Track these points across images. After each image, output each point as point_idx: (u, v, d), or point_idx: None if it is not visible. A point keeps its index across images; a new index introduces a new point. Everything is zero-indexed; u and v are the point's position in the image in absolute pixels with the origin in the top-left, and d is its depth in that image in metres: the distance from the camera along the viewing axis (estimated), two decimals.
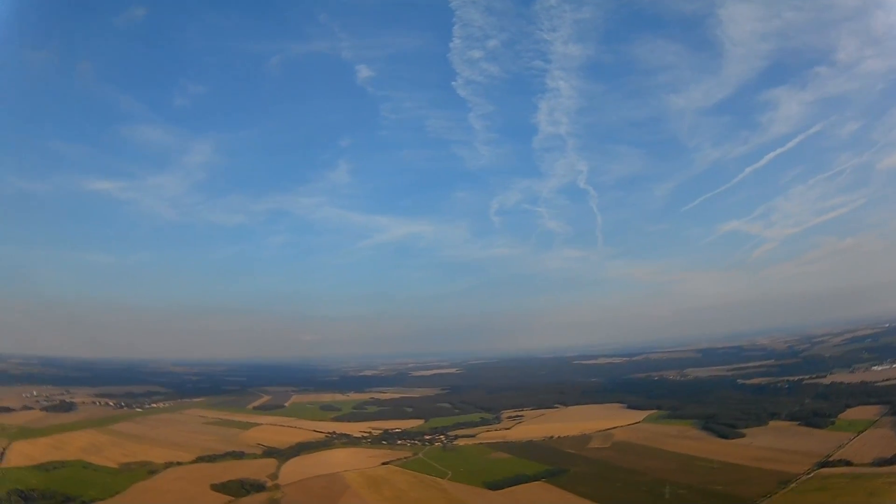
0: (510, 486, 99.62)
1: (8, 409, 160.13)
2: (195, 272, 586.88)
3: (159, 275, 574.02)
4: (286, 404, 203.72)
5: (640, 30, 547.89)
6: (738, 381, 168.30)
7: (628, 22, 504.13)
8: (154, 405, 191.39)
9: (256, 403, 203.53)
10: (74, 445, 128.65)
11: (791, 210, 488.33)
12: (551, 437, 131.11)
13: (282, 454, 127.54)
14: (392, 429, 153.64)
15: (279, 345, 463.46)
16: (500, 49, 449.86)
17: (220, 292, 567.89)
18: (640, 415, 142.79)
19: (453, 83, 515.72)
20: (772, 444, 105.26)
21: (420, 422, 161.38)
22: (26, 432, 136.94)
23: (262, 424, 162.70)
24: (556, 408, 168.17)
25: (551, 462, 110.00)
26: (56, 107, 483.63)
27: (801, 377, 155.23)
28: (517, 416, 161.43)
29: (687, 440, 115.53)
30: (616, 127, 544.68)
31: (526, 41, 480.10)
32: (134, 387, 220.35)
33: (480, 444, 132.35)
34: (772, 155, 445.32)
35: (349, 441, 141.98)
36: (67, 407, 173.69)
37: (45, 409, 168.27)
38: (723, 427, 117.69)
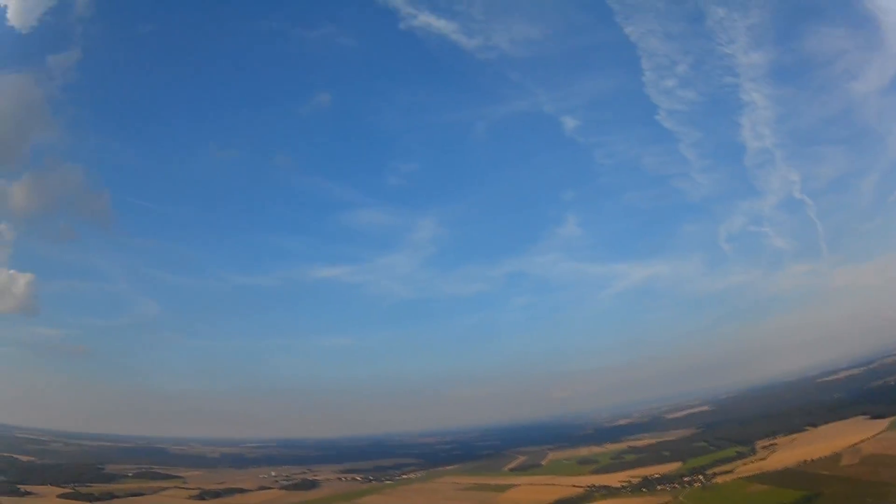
0: None
1: (242, 490, 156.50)
2: (438, 344, 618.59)
3: (401, 351, 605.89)
4: (542, 462, 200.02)
5: (804, 21, 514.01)
6: None
7: (792, 16, 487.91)
8: (404, 476, 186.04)
9: (512, 465, 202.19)
10: None
11: None
12: (804, 461, 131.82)
13: None
14: (651, 475, 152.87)
15: (531, 405, 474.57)
16: (690, 73, 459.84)
17: (465, 361, 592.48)
18: (884, 423, 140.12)
19: (657, 117, 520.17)
20: None
21: (678, 464, 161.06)
22: None
23: (518, 485, 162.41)
24: (807, 430, 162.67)
25: (806, 487, 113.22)
26: (265, 204, 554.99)
27: None
28: (770, 444, 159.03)
29: None
30: (813, 128, 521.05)
31: (710, 59, 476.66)
32: (382, 461, 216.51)
33: (738, 478, 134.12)
34: None
35: (609, 492, 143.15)
36: (310, 485, 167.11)
37: (285, 487, 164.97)
38: None
